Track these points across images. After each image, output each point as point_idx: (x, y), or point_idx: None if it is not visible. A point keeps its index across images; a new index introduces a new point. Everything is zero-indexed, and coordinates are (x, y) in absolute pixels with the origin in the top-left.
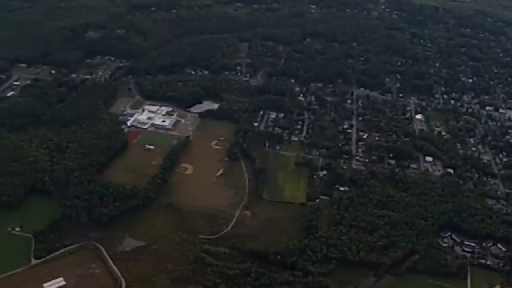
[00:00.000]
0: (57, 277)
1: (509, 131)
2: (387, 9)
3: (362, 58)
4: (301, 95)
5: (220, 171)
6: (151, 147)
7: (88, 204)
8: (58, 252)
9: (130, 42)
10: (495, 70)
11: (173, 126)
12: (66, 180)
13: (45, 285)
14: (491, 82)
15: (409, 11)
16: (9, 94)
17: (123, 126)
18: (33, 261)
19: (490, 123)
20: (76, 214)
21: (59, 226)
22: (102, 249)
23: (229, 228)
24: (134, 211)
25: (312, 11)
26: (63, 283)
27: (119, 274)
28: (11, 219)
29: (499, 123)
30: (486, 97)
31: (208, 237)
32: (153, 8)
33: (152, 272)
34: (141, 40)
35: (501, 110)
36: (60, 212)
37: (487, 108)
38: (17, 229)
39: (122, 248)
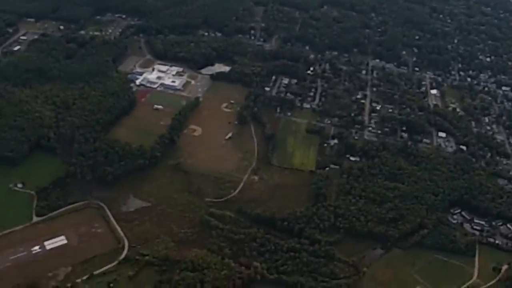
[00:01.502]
0: (58, 235)
1: None
2: None
3: (379, 29)
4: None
5: (229, 134)
6: (160, 107)
7: (93, 162)
8: (60, 210)
9: (143, 0)
10: None
11: (183, 86)
12: (71, 137)
13: (46, 243)
14: (509, 63)
15: None
16: (16, 48)
17: (132, 85)
18: (35, 219)
19: (506, 103)
20: (81, 172)
21: (63, 183)
22: (106, 208)
23: (236, 192)
24: (139, 171)
25: None
26: (65, 241)
27: (122, 234)
28: (14, 175)
29: None
30: (503, 77)
31: (214, 200)
32: None
33: (156, 233)
34: None
35: None
36: (64, 170)
37: (504, 88)
38: (19, 185)
39: (126, 208)
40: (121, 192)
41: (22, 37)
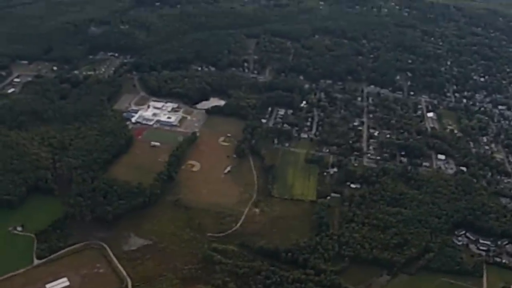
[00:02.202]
0: (60, 278)
1: None
2: (397, 7)
3: (372, 55)
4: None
5: (228, 168)
6: (157, 143)
7: (92, 202)
8: (61, 252)
9: (134, 37)
10: (507, 69)
11: (179, 122)
12: (69, 178)
13: (48, 285)
14: (504, 81)
15: (420, 9)
16: (10, 91)
17: (128, 123)
18: (36, 262)
19: (502, 121)
20: (80, 212)
21: (62, 225)
22: (107, 248)
23: (238, 225)
24: (139, 209)
25: (321, 7)
26: (67, 283)
27: (125, 273)
28: (12, 218)
29: None
30: (499, 96)
31: (216, 235)
32: (158, 3)
33: (159, 271)
34: (145, 35)
35: None
36: (63, 211)
37: (500, 107)
38: (19, 228)
39: (128, 247)
40: (121, 231)
41: (15, 80)
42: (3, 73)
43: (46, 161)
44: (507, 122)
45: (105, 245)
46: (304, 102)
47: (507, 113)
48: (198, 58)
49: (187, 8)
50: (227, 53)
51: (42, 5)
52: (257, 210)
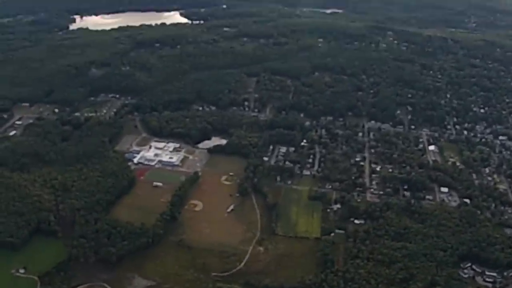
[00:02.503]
0: None
1: None
2: (396, 41)
3: (372, 91)
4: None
5: (231, 207)
6: (159, 184)
7: (95, 243)
8: None
9: (135, 79)
10: (507, 100)
11: (181, 162)
12: (72, 219)
13: None
14: (503, 112)
15: (418, 43)
16: (12, 133)
17: (130, 164)
18: None
19: (504, 152)
20: (83, 254)
21: (66, 267)
22: None
23: (242, 264)
24: (143, 250)
25: (320, 45)
26: None
27: None
28: (15, 261)
29: None
30: (499, 126)
31: (221, 274)
32: (158, 45)
33: None
34: (146, 76)
35: None
36: (66, 253)
37: (501, 137)
38: (21, 270)
39: None
40: (125, 272)
41: (17, 122)
42: (5, 116)
43: (49, 203)
44: (508, 152)
45: (108, 287)
46: (305, 140)
47: (508, 143)
48: (199, 98)
49: (187, 48)
50: (227, 92)
51: (43, 48)
52: (261, 248)
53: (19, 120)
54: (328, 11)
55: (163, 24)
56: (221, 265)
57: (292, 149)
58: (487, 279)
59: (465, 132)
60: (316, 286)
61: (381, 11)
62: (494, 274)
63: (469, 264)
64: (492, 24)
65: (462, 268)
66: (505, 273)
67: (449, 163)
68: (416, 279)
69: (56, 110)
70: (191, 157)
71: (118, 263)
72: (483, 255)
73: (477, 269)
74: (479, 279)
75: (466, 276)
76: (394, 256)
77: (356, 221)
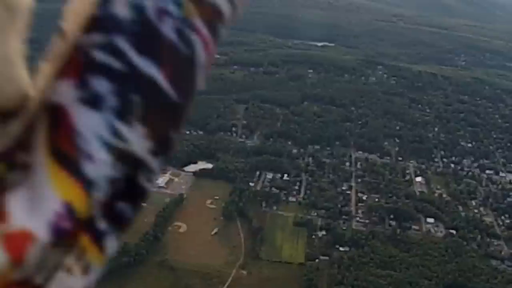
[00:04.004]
0: None
1: (511, 193)
2: (385, 75)
3: (360, 122)
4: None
5: (215, 230)
6: (143, 205)
7: None
8: None
9: None
10: (494, 135)
11: (166, 184)
12: None
13: None
14: (491, 147)
15: (407, 77)
16: None
17: None
18: None
19: (491, 186)
20: None
21: None
22: None
23: (225, 287)
24: (125, 269)
25: (310, 76)
26: None
27: None
28: None
29: (500, 186)
30: (486, 161)
31: None
32: None
33: None
34: None
35: (501, 174)
36: None
37: (487, 172)
38: None
39: None
40: None
41: None
42: None
43: None
44: (495, 186)
45: None
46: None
47: (495, 177)
48: (187, 123)
49: None
50: (216, 117)
51: None
52: (244, 272)
53: None
54: (320, 44)
55: None
56: (204, 286)
57: (278, 175)
58: None
59: (452, 165)
60: None
61: (372, 46)
62: None
63: None
64: (481, 63)
65: None
66: None
67: (436, 194)
68: None
69: None
70: (176, 179)
71: (99, 283)
72: (468, 286)
73: None
74: None
75: None
76: (379, 284)
77: (341, 248)
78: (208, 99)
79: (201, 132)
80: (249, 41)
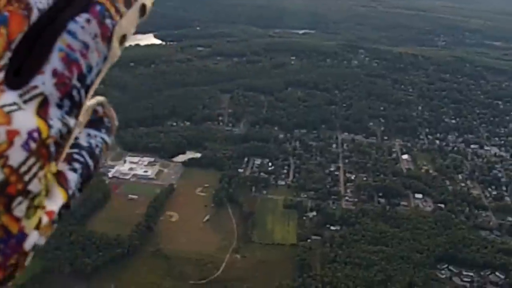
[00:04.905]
0: None
1: (496, 166)
2: (367, 58)
3: (344, 105)
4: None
5: (207, 217)
6: (134, 196)
7: (70, 255)
8: None
9: (108, 96)
10: (477, 111)
11: (155, 175)
12: None
13: None
14: (474, 122)
15: (389, 59)
16: None
17: (104, 178)
18: None
19: (476, 160)
20: (58, 266)
21: (41, 279)
22: None
23: (219, 272)
24: (119, 260)
25: (293, 63)
26: None
27: None
28: None
29: (485, 159)
30: (470, 136)
31: (198, 282)
32: (132, 64)
33: None
34: (120, 94)
35: (486, 147)
36: (41, 265)
37: (472, 146)
38: None
39: None
40: (101, 282)
41: None
42: None
43: None
44: (480, 160)
45: None
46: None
47: (480, 151)
48: (173, 114)
49: (161, 67)
50: (201, 108)
51: None
52: (238, 256)
53: None
54: (301, 31)
55: (137, 45)
56: (199, 273)
57: (266, 160)
58: (465, 279)
59: (437, 142)
60: None
61: (352, 31)
62: (471, 274)
63: (446, 265)
64: (461, 42)
65: (439, 269)
66: (482, 273)
67: (423, 170)
68: (394, 280)
69: None
70: (166, 170)
71: (94, 274)
72: (459, 256)
73: (454, 270)
74: (456, 279)
75: (443, 276)
76: (371, 259)
77: (332, 228)
78: (193, 90)
79: (188, 123)
80: (231, 32)
